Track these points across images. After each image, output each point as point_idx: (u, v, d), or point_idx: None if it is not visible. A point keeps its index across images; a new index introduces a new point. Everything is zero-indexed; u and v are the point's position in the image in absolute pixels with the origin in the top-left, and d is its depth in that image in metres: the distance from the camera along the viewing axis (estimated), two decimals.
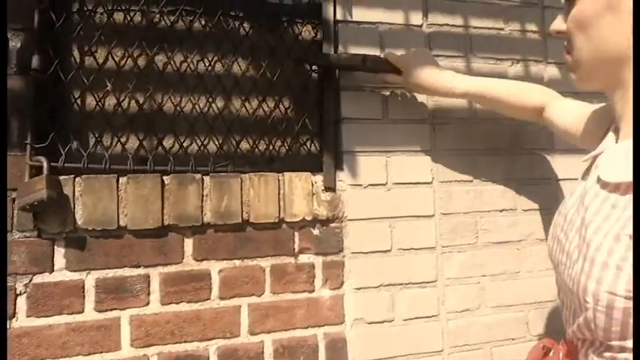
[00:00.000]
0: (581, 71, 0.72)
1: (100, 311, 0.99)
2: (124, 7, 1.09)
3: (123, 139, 1.08)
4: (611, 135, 0.74)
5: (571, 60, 0.73)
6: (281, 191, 1.09)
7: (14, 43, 0.99)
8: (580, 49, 0.70)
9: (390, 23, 1.20)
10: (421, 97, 1.20)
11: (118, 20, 1.09)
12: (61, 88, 1.03)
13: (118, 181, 1.00)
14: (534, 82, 1.13)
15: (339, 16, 1.16)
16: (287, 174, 1.10)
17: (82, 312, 0.98)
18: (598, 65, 0.69)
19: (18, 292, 0.95)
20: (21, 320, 0.95)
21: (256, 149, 1.16)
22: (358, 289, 1.12)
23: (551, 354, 0.83)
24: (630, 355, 0.62)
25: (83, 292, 0.98)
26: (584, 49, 0.70)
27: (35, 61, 0.98)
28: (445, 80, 1.11)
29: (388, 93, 1.18)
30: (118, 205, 1.00)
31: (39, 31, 0.99)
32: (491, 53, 1.27)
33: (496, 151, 1.24)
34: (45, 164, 0.95)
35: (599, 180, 0.69)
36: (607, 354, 0.65)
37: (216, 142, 1.13)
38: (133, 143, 1.09)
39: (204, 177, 1.05)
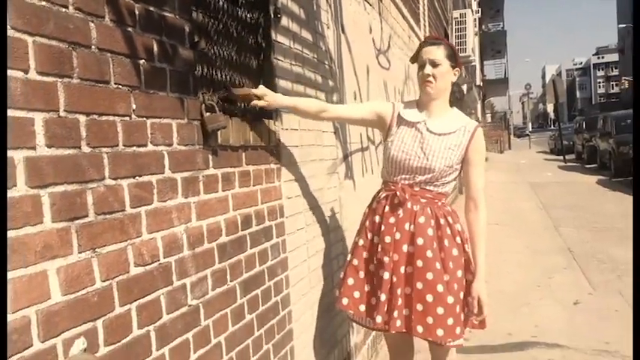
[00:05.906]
0: (435, 91, 2.18)
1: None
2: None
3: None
4: (424, 112, 2.24)
5: (434, 85, 2.17)
6: (269, 128, 2.07)
7: (186, 27, 1.58)
8: (439, 83, 2.17)
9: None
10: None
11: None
12: (210, 62, 1.68)
13: (230, 118, 1.77)
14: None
15: None
16: (265, 119, 2.08)
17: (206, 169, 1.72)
18: (441, 91, 2.19)
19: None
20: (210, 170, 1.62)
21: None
22: (286, 181, 2.23)
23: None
24: (440, 184, 2.17)
25: (218, 180, 1.72)
26: (439, 84, 2.18)
27: (202, 43, 1.62)
28: (280, 101, 2.15)
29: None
30: (231, 131, 1.77)
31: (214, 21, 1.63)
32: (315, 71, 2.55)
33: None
34: (217, 106, 1.64)
35: (428, 130, 2.19)
36: (433, 183, 2.18)
37: None
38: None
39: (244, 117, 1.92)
